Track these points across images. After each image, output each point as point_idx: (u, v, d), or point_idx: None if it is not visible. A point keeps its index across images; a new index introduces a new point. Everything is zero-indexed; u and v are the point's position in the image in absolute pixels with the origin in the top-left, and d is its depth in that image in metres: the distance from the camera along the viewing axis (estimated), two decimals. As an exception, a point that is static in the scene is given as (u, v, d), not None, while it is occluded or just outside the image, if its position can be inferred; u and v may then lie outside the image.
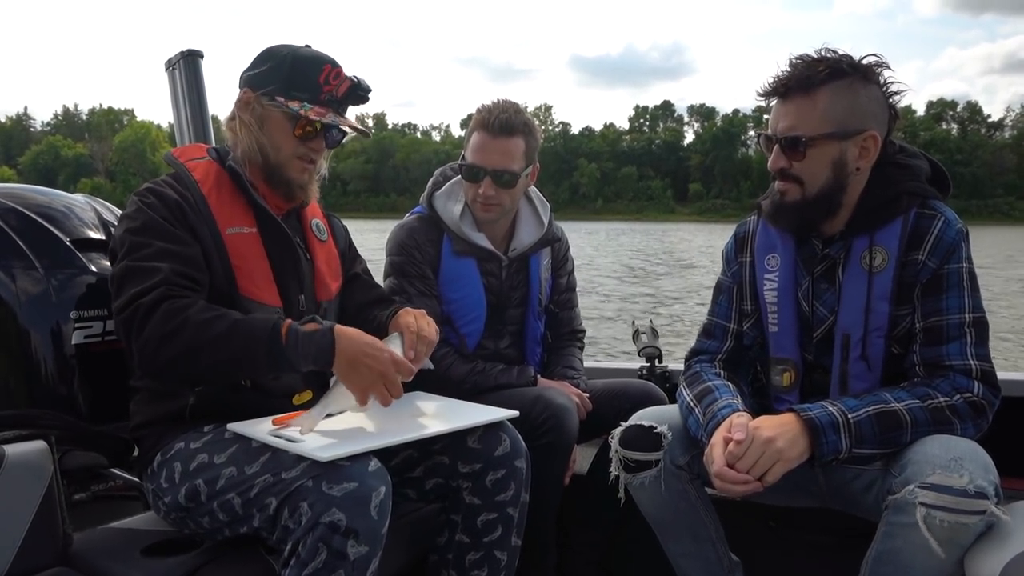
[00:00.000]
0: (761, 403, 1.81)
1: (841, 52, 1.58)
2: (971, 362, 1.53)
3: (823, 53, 1.57)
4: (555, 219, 2.33)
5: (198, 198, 1.61)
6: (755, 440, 1.49)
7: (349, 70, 1.67)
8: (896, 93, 1.60)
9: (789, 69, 1.58)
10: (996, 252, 30.51)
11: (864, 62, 1.57)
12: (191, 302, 1.45)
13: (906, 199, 1.59)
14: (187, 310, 1.43)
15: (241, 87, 1.68)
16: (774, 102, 1.62)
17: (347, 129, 1.69)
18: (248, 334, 1.42)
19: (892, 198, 1.60)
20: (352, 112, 1.73)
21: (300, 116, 1.61)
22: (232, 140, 1.69)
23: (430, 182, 2.26)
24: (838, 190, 1.60)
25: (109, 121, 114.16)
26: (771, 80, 1.59)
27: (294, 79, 1.63)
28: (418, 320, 1.67)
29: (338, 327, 1.47)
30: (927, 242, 1.57)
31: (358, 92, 1.67)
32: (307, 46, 1.69)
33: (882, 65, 1.58)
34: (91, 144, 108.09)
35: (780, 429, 1.49)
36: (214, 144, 2.02)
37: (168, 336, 1.41)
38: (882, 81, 1.59)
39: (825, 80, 1.54)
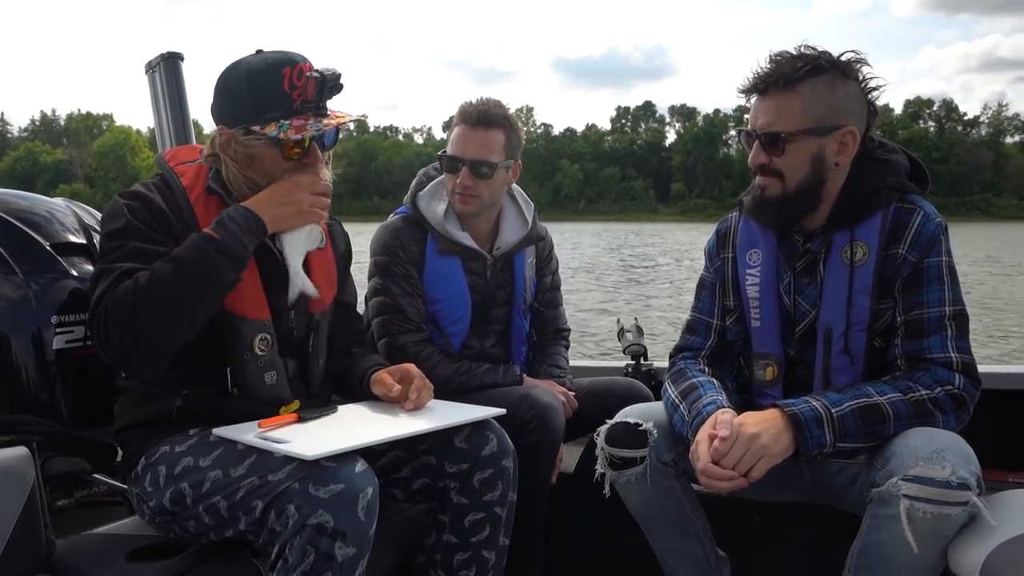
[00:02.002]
0: (745, 398, 1.83)
1: (820, 49, 1.59)
2: (952, 355, 1.55)
3: (803, 50, 1.59)
4: (538, 220, 2.33)
5: (184, 207, 1.57)
6: (740, 436, 1.49)
7: (322, 66, 1.55)
8: (875, 89, 1.62)
9: (769, 66, 1.59)
10: (972, 250, 30.84)
11: (843, 59, 1.59)
12: (128, 281, 1.42)
13: (886, 193, 1.61)
14: (127, 284, 1.41)
15: (216, 122, 1.60)
16: (754, 98, 1.63)
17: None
18: (191, 254, 1.43)
19: (872, 193, 1.62)
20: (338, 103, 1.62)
21: (282, 140, 1.52)
22: (213, 165, 1.62)
23: (413, 182, 2.26)
24: (817, 185, 1.61)
25: (88, 126, 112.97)
26: (751, 76, 1.61)
27: (260, 100, 1.52)
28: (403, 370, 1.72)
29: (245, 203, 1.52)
30: (907, 236, 1.59)
31: (327, 86, 1.55)
32: (258, 51, 1.58)
33: (861, 61, 1.60)
34: (70, 150, 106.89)
35: (764, 425, 1.51)
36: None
37: (133, 313, 1.39)
38: (861, 77, 1.61)
39: (804, 76, 1.56)
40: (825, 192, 1.63)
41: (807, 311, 1.69)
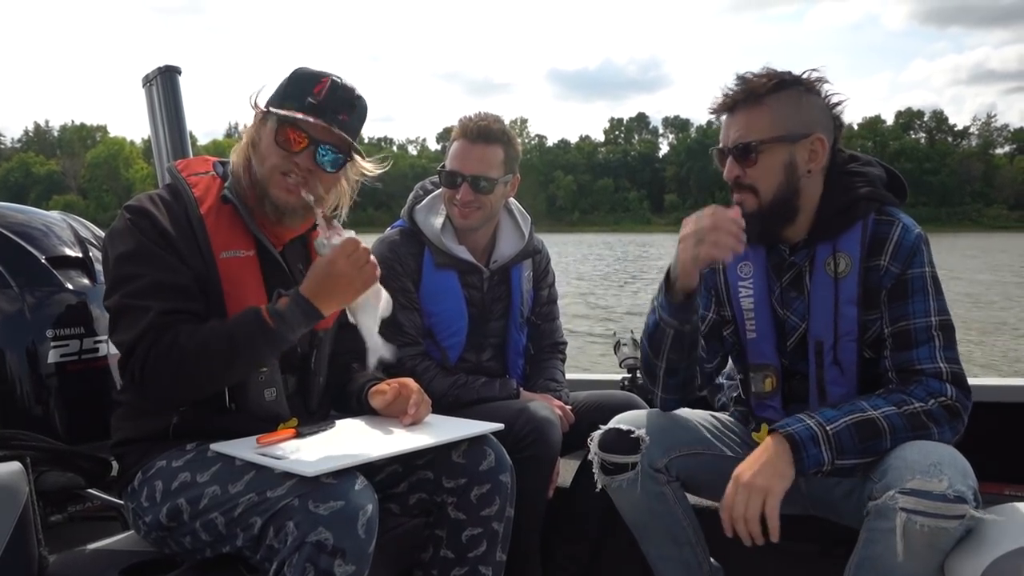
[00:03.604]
0: (743, 411, 1.84)
1: (782, 70, 1.65)
2: (941, 365, 1.56)
3: (766, 70, 1.65)
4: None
5: (194, 219, 1.57)
6: (739, 486, 1.51)
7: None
8: (837, 104, 1.67)
9: (736, 85, 1.65)
10: (965, 260, 30.98)
11: (805, 76, 1.65)
12: (175, 334, 1.45)
13: (863, 204, 1.64)
14: (176, 343, 1.44)
15: None
16: (724, 118, 1.68)
17: (356, 157, 1.63)
18: (242, 336, 1.47)
19: (849, 204, 1.64)
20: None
21: (276, 116, 1.56)
22: (239, 164, 1.64)
23: (411, 196, 2.26)
24: (792, 194, 1.64)
25: (81, 137, 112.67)
26: (719, 97, 1.66)
27: (289, 89, 1.60)
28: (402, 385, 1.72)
29: (302, 286, 1.50)
30: (888, 248, 1.61)
31: (338, 93, 1.59)
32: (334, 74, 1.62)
33: (822, 80, 1.66)
34: (63, 161, 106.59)
35: (757, 464, 1.52)
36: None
37: (175, 376, 1.46)
38: (823, 93, 1.66)
39: (770, 91, 1.62)
40: (801, 202, 1.65)
41: (796, 324, 1.71)
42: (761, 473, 1.50)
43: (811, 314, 1.67)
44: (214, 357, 1.46)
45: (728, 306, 1.81)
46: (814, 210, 1.66)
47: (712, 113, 1.70)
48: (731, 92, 1.65)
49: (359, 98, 1.63)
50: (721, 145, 1.68)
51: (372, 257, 1.53)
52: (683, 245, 1.59)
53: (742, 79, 1.64)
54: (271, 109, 1.58)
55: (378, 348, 1.57)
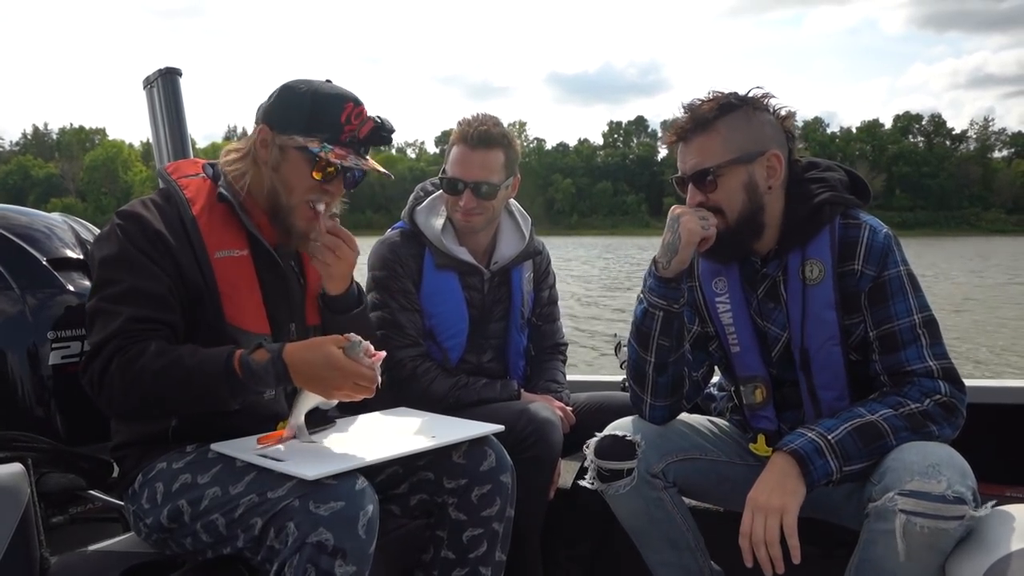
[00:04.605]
0: (740, 419, 1.84)
1: (727, 92, 1.67)
2: (931, 363, 1.57)
3: (712, 94, 1.67)
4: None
5: (187, 220, 1.57)
6: (753, 511, 1.51)
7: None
8: (787, 117, 1.69)
9: (685, 114, 1.66)
10: (960, 263, 30.99)
11: (751, 95, 1.66)
12: (143, 348, 1.44)
13: (828, 209, 1.65)
14: (140, 359, 1.43)
15: (258, 123, 1.63)
16: (679, 148, 1.69)
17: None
18: (206, 374, 1.43)
19: (813, 211, 1.65)
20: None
21: (320, 158, 1.56)
22: (235, 171, 1.63)
23: (411, 197, 2.27)
24: (757, 211, 1.66)
25: (80, 140, 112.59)
26: (670, 129, 1.69)
27: (315, 118, 1.57)
28: None
29: (287, 349, 1.44)
30: (859, 251, 1.62)
31: (381, 133, 1.62)
32: (328, 81, 1.64)
33: (768, 96, 1.67)
34: (61, 164, 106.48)
35: (767, 486, 1.52)
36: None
37: (127, 391, 1.43)
38: (771, 108, 1.68)
39: (719, 115, 1.64)
40: (767, 216, 1.67)
41: (778, 335, 1.72)
42: (774, 493, 1.50)
43: (791, 322, 1.68)
44: (170, 386, 1.43)
45: (710, 322, 1.81)
46: (779, 221, 1.68)
47: (667, 146, 1.72)
48: (681, 122, 1.66)
49: (394, 131, 1.65)
50: (680, 174, 1.69)
51: (368, 392, 1.47)
52: (687, 217, 1.63)
53: (689, 107, 1.66)
54: (310, 147, 1.56)
55: (299, 426, 1.53)
